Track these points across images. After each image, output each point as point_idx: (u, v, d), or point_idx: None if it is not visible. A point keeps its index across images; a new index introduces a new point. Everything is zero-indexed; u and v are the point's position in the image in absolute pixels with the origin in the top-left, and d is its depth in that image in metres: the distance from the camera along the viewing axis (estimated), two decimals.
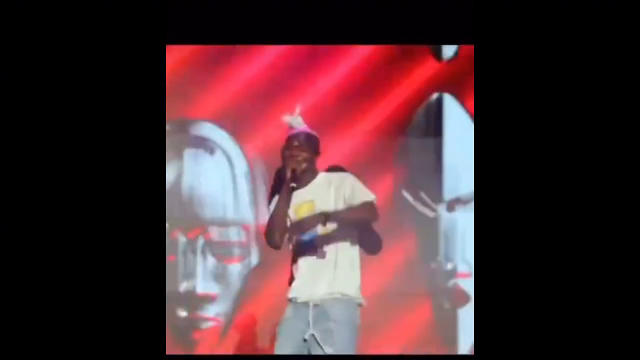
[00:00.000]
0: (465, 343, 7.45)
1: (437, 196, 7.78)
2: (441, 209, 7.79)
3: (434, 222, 7.83)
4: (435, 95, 8.03)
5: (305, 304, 4.21)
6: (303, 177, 4.31)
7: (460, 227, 7.74)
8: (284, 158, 4.32)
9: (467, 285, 7.52)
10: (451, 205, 7.86)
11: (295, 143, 4.30)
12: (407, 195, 7.78)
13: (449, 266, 7.67)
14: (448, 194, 7.87)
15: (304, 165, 4.28)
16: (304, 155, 4.29)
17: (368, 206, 4.22)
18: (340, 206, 4.23)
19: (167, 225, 6.97)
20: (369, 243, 4.93)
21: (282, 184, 4.33)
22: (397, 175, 6.78)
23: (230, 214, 7.51)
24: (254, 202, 7.63)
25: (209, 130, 7.54)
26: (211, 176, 7.46)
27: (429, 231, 7.66)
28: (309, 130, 4.39)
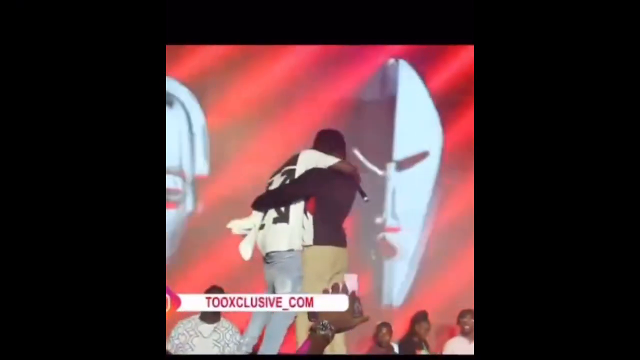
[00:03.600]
0: (390, 294, 7.57)
1: (387, 156, 7.97)
2: (390, 167, 7.91)
3: (382, 180, 8.04)
4: (391, 61, 8.21)
5: None
6: None
7: (390, 186, 7.93)
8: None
9: (394, 239, 7.68)
10: (400, 165, 8.02)
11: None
12: (357, 153, 7.98)
13: (378, 220, 7.83)
14: (398, 154, 8.06)
15: None
16: None
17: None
18: None
19: None
20: None
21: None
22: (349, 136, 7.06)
23: (185, 165, 7.80)
24: (207, 155, 7.88)
25: (169, 85, 7.84)
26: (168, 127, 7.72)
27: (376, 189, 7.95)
28: None
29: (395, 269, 8.20)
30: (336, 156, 5.60)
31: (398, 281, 8.20)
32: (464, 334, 7.57)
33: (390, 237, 8.13)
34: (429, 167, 8.41)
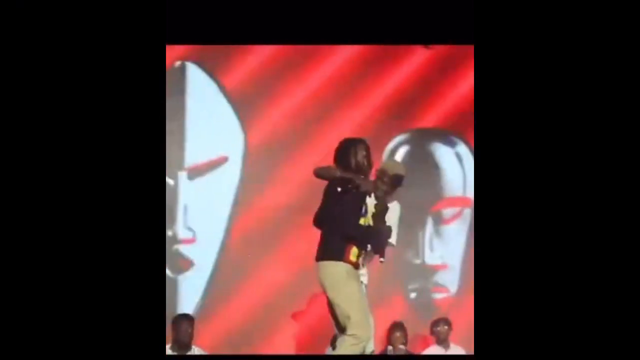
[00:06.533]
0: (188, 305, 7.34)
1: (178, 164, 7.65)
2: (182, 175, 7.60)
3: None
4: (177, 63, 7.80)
5: None
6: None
7: (182, 198, 7.67)
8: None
9: (188, 250, 7.50)
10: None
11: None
12: None
13: (169, 233, 7.53)
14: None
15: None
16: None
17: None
18: None
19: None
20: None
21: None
22: None
23: None
24: None
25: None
26: None
27: None
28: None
29: (190, 282, 7.86)
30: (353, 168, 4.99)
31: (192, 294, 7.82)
32: (440, 342, 7.35)
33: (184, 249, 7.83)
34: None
